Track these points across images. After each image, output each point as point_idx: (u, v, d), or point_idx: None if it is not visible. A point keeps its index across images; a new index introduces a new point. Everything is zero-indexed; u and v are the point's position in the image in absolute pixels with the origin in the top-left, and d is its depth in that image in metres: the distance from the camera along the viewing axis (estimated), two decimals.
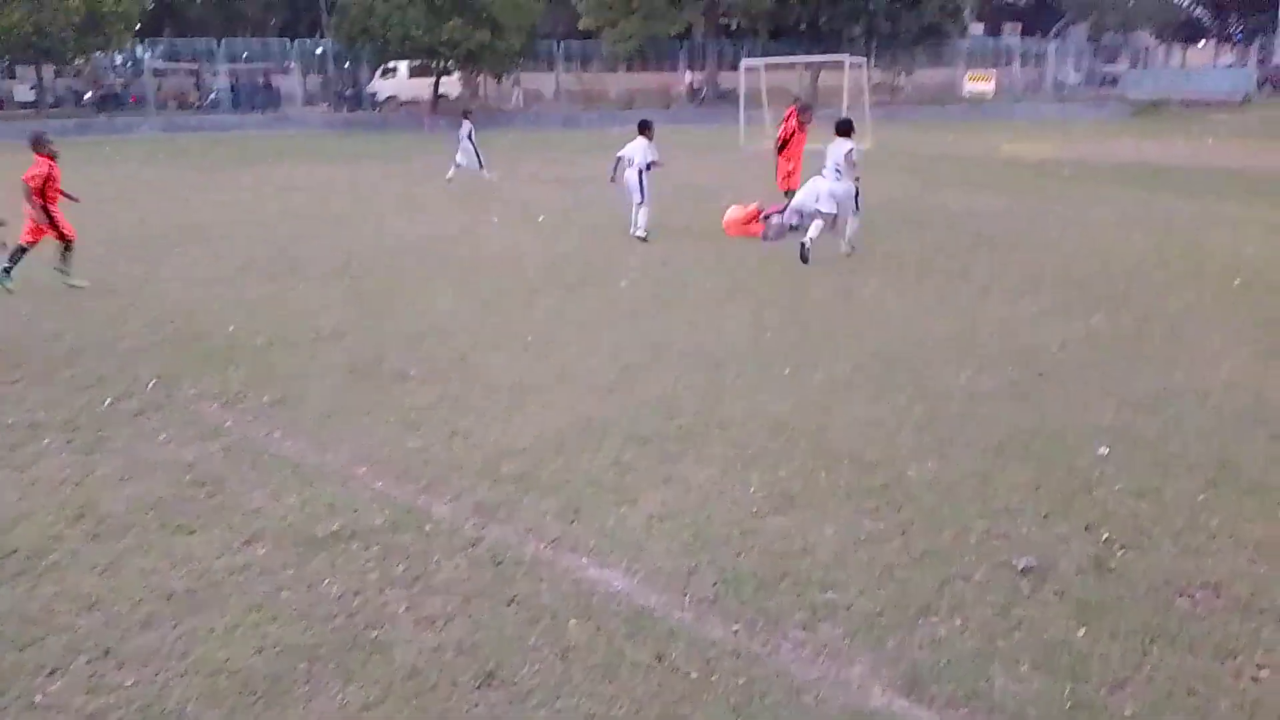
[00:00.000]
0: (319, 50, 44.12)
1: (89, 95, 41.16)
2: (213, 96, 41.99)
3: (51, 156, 8.49)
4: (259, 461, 4.74)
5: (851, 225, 9.68)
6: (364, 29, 37.25)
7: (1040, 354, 6.27)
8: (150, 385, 5.86)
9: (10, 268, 8.39)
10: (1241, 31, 61.57)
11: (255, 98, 41.92)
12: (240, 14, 50.30)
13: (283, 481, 4.48)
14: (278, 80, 43.50)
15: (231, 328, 7.24)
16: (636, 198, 10.96)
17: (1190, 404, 5.29)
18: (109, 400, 5.60)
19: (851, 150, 9.33)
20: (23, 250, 8.45)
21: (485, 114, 42.41)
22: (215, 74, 42.16)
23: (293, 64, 43.03)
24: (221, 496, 4.33)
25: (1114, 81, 54.08)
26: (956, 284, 8.30)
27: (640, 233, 10.93)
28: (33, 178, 8.33)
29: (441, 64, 39.50)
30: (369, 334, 7.03)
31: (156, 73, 41.51)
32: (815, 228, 9.34)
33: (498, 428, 5.12)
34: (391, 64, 40.77)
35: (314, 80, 44.96)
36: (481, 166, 16.90)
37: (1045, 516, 4.03)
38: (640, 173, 10.82)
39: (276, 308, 7.91)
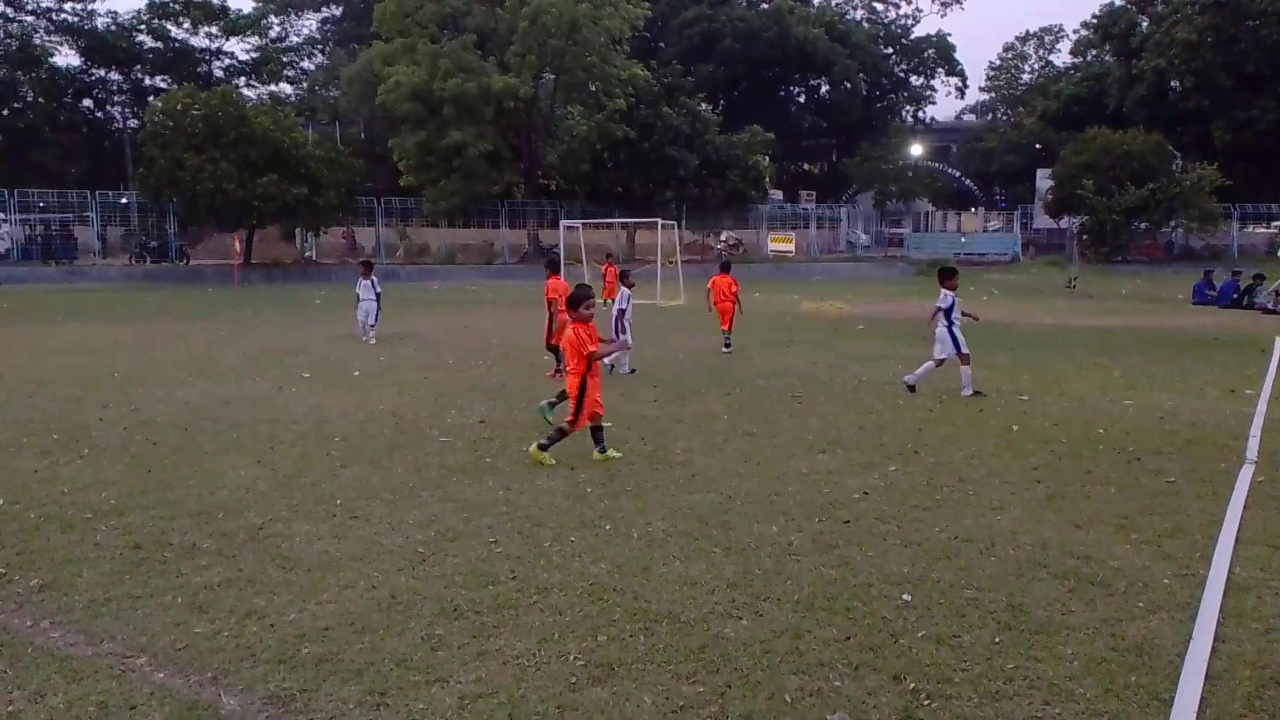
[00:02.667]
0: (123, 201, 42.54)
1: None
2: (9, 246, 39.45)
3: None
4: (20, 657, 4.22)
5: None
6: (171, 181, 36.32)
7: (843, 506, 6.53)
8: None
9: None
10: (1004, 200, 69.54)
11: (50, 249, 39.70)
12: (35, 163, 48.05)
13: (46, 679, 3.99)
14: (76, 231, 41.48)
15: (0, 501, 6.56)
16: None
17: (979, 550, 5.62)
18: None
19: (944, 297, 11.15)
20: None
21: (299, 268, 41.74)
22: (5, 223, 39.73)
23: (92, 215, 41.17)
24: None
25: (900, 243, 59.49)
26: (762, 442, 8.60)
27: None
28: None
29: (252, 219, 38.79)
30: (154, 509, 6.50)
31: None
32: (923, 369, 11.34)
33: (296, 607, 4.79)
34: None
35: (115, 232, 43.08)
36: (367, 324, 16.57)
37: (856, 669, 4.10)
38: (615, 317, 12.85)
39: (51, 482, 7.22)
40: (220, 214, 37.72)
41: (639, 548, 5.68)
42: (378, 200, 45.94)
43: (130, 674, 4.07)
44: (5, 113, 55.00)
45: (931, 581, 5.10)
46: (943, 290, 11.16)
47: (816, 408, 10.31)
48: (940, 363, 11.20)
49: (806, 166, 72.84)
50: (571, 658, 4.20)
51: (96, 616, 4.69)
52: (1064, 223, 52.97)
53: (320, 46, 69.72)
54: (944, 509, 6.46)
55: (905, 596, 4.86)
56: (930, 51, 76.25)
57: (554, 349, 12.33)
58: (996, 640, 4.39)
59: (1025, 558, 5.48)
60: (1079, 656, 4.23)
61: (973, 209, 72.24)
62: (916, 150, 68.70)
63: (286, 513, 6.42)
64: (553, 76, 45.60)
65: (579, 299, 7.92)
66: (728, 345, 15.23)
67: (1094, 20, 65.97)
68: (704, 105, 55.79)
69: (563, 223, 31.12)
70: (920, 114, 79.67)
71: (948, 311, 11.04)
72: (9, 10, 55.78)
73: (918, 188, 64.00)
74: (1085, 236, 48.88)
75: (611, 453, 7.92)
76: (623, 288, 13.55)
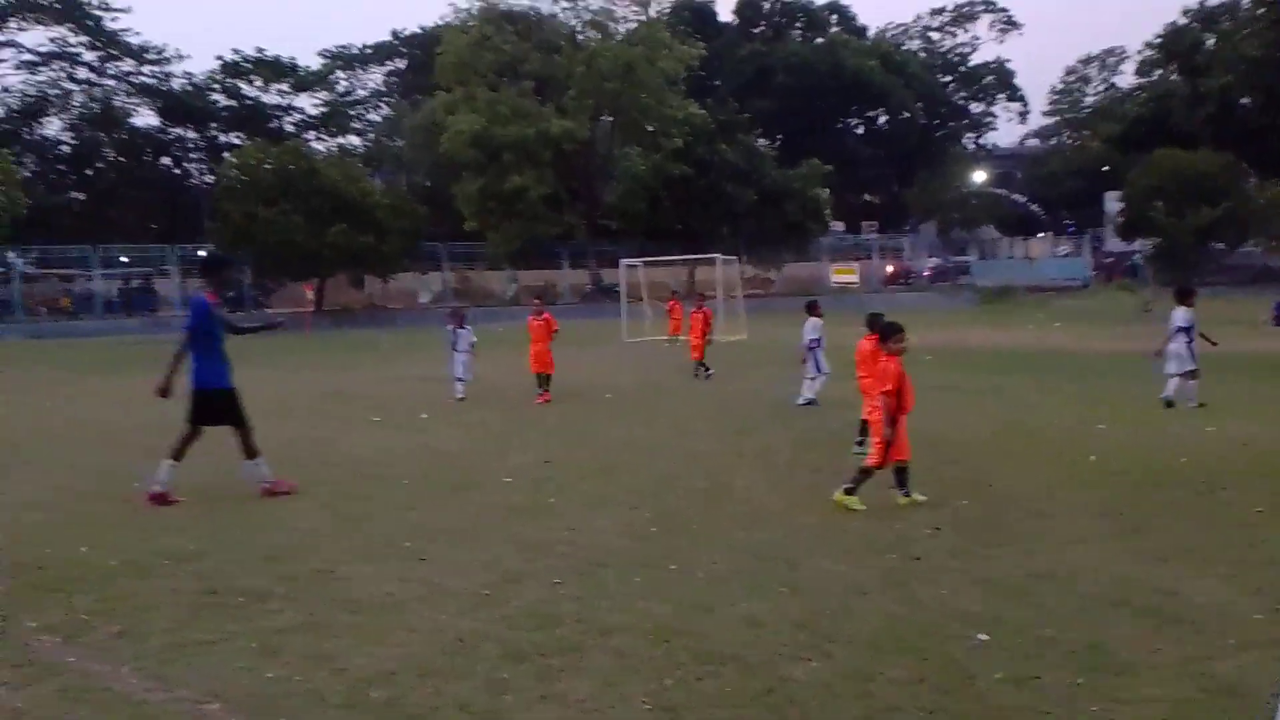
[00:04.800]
0: (199, 254, 44.09)
1: None
2: (91, 300, 41.18)
3: None
4: (99, 703, 4.32)
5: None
6: (245, 233, 37.54)
7: (912, 542, 6.38)
8: None
9: None
10: (1072, 224, 68.16)
11: (133, 302, 41.34)
12: (116, 220, 50.14)
13: None
14: (157, 284, 43.14)
15: (84, 549, 6.76)
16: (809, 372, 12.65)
17: (1057, 587, 5.43)
18: None
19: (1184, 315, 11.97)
20: None
21: (367, 313, 42.67)
22: (90, 279, 41.48)
23: (171, 268, 42.74)
24: None
25: (965, 271, 58.53)
26: (826, 477, 8.44)
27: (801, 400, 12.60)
28: None
29: (322, 268, 39.83)
30: (226, 553, 6.63)
31: (26, 278, 40.59)
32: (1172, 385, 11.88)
33: (364, 651, 4.82)
34: None
35: (193, 284, 44.64)
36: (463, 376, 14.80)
37: (930, 713, 3.98)
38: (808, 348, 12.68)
39: (129, 529, 7.42)
40: (292, 263, 38.88)
41: (703, 587, 5.62)
42: (442, 245, 46.91)
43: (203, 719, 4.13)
44: (89, 173, 57.64)
45: (1006, 620, 4.93)
46: (1182, 309, 11.96)
47: None
48: (1190, 374, 11.86)
49: (867, 197, 72.44)
50: (637, 701, 4.15)
51: (171, 662, 4.78)
52: (1135, 245, 51.71)
53: (385, 98, 71.78)
54: (1018, 544, 6.28)
55: (980, 636, 4.71)
56: (990, 78, 75.54)
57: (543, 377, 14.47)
58: (1078, 682, 4.23)
59: (1105, 594, 5.28)
60: (1166, 698, 4.04)
61: (1039, 234, 70.99)
62: (979, 177, 67.87)
63: (353, 555, 6.50)
64: (609, 119, 46.24)
65: (890, 331, 7.46)
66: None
67: (1158, 40, 64.73)
68: (761, 140, 55.93)
69: (623, 262, 31.33)
70: (981, 140, 78.82)
71: (1188, 329, 11.82)
72: (93, 76, 58.65)
73: (981, 215, 63.10)
74: (1158, 259, 47.63)
75: (916, 496, 7.33)
76: (811, 318, 12.86)
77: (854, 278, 52.89)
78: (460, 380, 14.69)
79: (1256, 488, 7.63)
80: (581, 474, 8.91)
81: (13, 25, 54.91)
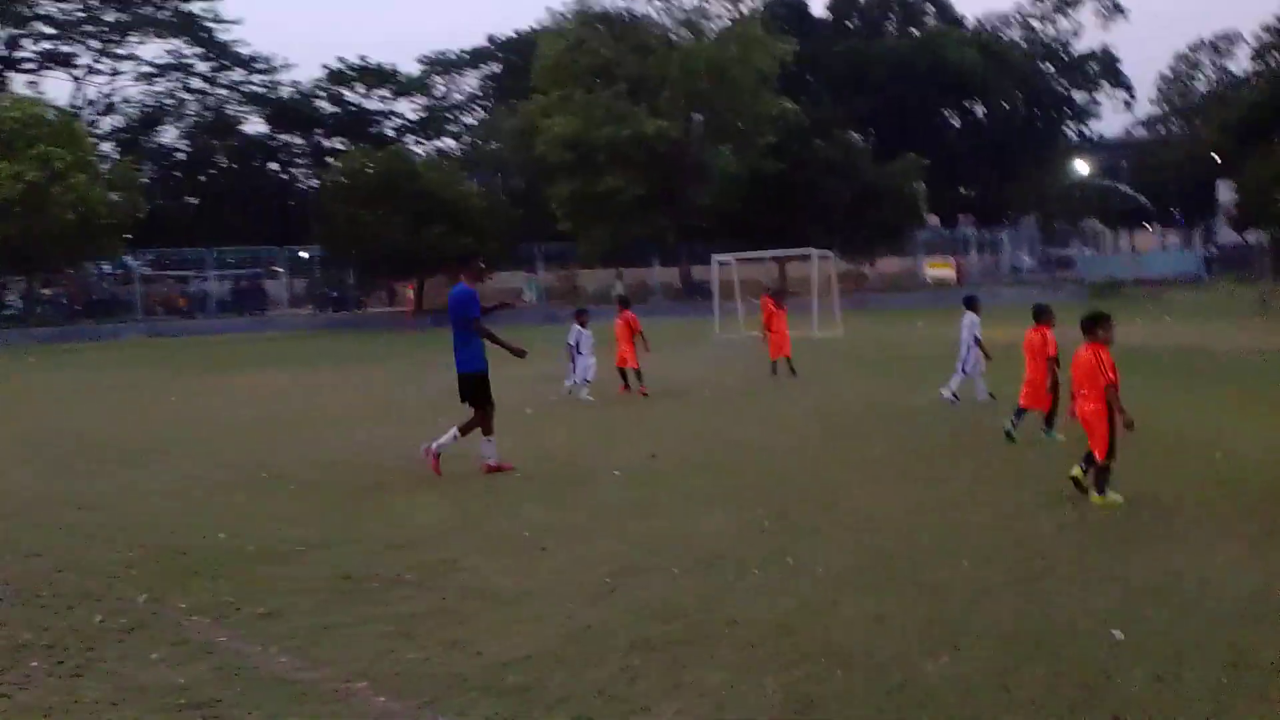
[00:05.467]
0: (305, 255, 45.71)
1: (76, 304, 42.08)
2: (205, 299, 43.12)
3: None
4: (253, 680, 4.57)
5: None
6: (349, 235, 38.75)
7: (1037, 541, 6.26)
8: (140, 601, 5.71)
9: None
10: (1182, 216, 65.33)
11: (243, 301, 43.14)
12: (229, 223, 52.34)
13: (279, 702, 4.31)
14: (266, 284, 44.89)
15: (222, 535, 7.14)
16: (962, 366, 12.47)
17: (1194, 588, 5.27)
18: (99, 619, 5.43)
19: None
20: None
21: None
22: (204, 279, 43.42)
23: (280, 269, 44.42)
24: None
25: (1068, 264, 56.63)
26: (942, 483, 8.30)
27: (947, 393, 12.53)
28: None
29: (422, 269, 40.80)
30: (357, 542, 6.91)
31: (145, 279, 42.72)
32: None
33: (497, 636, 4.99)
34: None
35: (299, 284, 46.34)
36: (574, 378, 14.77)
37: (1071, 709, 3.93)
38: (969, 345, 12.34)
39: (261, 518, 7.79)
40: (393, 264, 40.00)
41: (824, 584, 5.62)
42: (536, 247, 47.61)
43: (353, 697, 4.34)
44: (202, 178, 60.31)
45: (1144, 620, 4.82)
46: None
47: (997, 445, 9.83)
48: None
49: (964, 190, 70.71)
50: (770, 691, 4.20)
51: (316, 643, 5.02)
52: (1251, 237, 49.28)
53: (481, 102, 73.16)
54: (1151, 546, 6.10)
55: (1117, 633, 4.62)
56: (1094, 66, 72.80)
57: (621, 371, 14.99)
58: (1223, 680, 4.12)
59: (1246, 596, 5.11)
60: None
61: (1147, 226, 68.22)
62: (1083, 168, 65.55)
63: (476, 547, 6.70)
64: (701, 118, 46.19)
65: (1099, 320, 7.33)
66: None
67: (1276, 22, 61.48)
68: (856, 135, 55.14)
69: (715, 258, 31.28)
70: (1085, 130, 76.03)
71: None
72: (206, 86, 61.34)
73: (1085, 207, 60.95)
74: (1275, 252, 45.32)
75: (1112, 496, 7.08)
76: (969, 313, 12.64)
77: (950, 272, 51.75)
78: (586, 382, 14.56)
79: None
80: (688, 471, 8.98)
81: (133, 39, 57.79)
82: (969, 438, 10.56)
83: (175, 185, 60.81)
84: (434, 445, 9.22)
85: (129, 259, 42.47)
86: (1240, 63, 74.52)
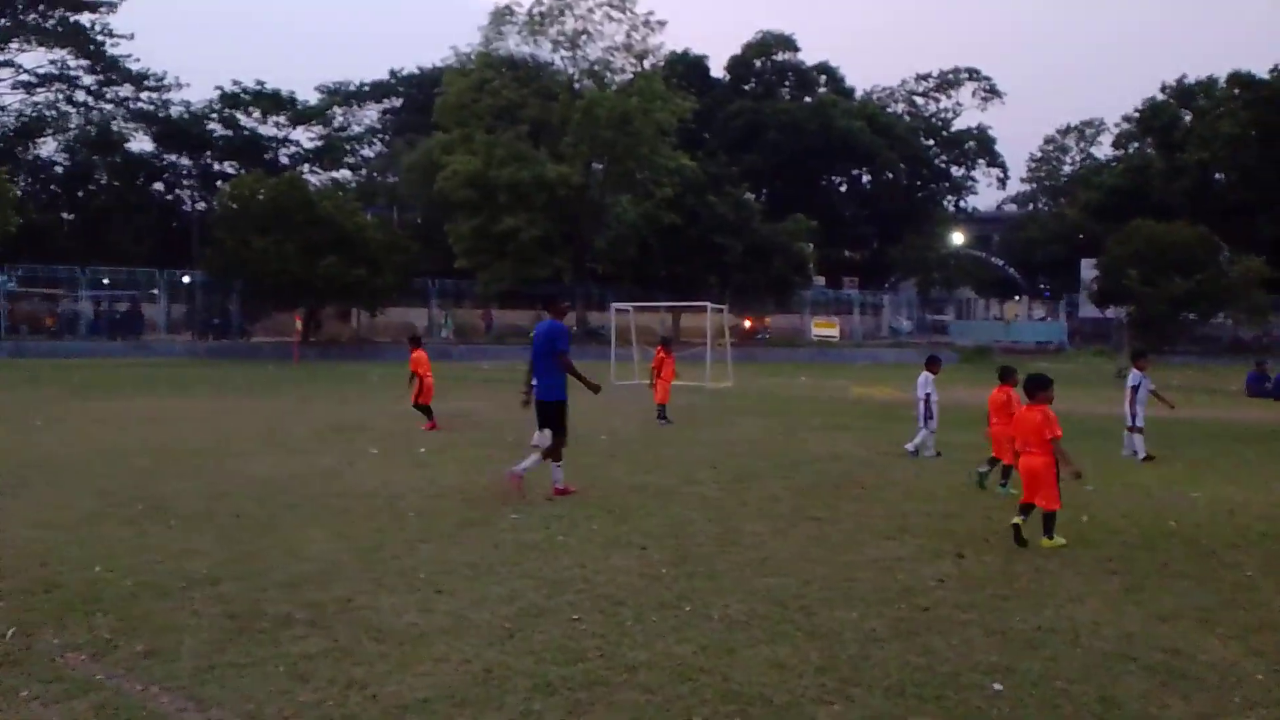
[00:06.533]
0: (186, 280, 44.04)
1: None
2: (76, 320, 40.96)
3: None
4: None
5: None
6: (238, 261, 37.60)
7: (920, 593, 6.55)
8: (8, 636, 5.40)
9: None
10: (1048, 289, 69.37)
11: (118, 325, 41.19)
12: (107, 242, 50.05)
13: None
14: (143, 307, 43.04)
15: (98, 568, 6.81)
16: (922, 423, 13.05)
17: (1065, 641, 5.61)
18: None
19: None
20: None
21: (355, 346, 42.65)
22: (76, 299, 41.32)
23: (159, 293, 42.65)
24: None
25: (944, 329, 59.39)
26: (829, 527, 8.64)
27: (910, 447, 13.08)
28: None
29: (313, 299, 39.89)
30: (245, 579, 6.69)
31: (11, 296, 40.41)
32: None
33: (394, 678, 4.92)
34: None
35: (179, 309, 44.56)
36: None
37: None
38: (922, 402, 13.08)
39: (141, 551, 7.45)
40: (283, 293, 38.88)
41: (721, 629, 5.75)
42: (431, 282, 47.08)
43: None
44: (81, 194, 57.54)
45: (1020, 672, 5.10)
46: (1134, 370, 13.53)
47: (879, 494, 10.32)
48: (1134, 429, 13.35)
49: (849, 253, 73.45)
50: None
51: (203, 684, 4.85)
52: (1110, 312, 52.67)
53: (380, 135, 72.32)
54: (1023, 598, 6.46)
55: (996, 685, 4.88)
56: (971, 143, 77.18)
57: (418, 407, 15.72)
58: None
59: (1112, 650, 5.46)
60: None
61: (1015, 297, 72.13)
62: (958, 239, 69.08)
63: (371, 585, 6.58)
64: (602, 166, 46.83)
65: (1044, 384, 8.17)
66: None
67: (1136, 114, 66.56)
68: (749, 194, 56.80)
69: (613, 305, 31.64)
70: (962, 203, 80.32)
71: (1136, 388, 13.33)
72: (90, 99, 58.82)
73: (961, 275, 64.15)
74: (1133, 327, 48.57)
75: (1058, 539, 7.86)
76: (926, 372, 13.43)
77: (834, 332, 53.57)
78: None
79: (1246, 552, 7.86)
80: (588, 514, 9.02)
81: (13, 46, 55.09)
82: (863, 478, 11.02)
83: (51, 200, 57.85)
84: (518, 469, 9.66)
85: None
86: (1104, 149, 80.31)
